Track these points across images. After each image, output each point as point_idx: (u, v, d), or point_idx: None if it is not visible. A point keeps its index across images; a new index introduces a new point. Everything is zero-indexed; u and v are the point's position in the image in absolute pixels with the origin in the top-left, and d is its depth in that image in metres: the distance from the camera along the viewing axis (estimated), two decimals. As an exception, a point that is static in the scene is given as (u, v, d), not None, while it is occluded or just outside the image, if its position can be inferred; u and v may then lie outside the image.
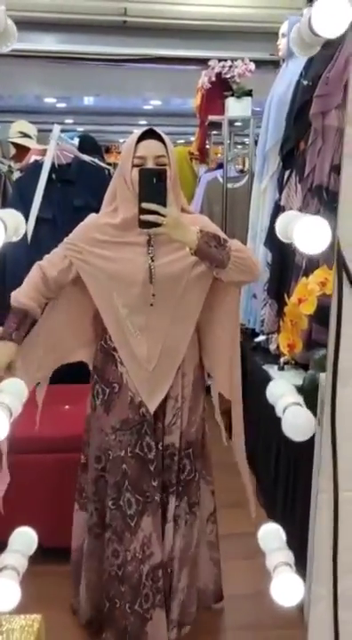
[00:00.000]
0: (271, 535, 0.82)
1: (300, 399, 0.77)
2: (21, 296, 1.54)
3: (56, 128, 2.23)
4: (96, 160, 2.49)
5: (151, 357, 1.53)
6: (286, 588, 0.78)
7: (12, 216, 0.82)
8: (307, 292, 1.67)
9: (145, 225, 1.35)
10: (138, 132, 1.48)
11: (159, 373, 1.55)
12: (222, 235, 1.50)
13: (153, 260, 1.48)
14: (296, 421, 0.71)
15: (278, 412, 0.75)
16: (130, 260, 1.48)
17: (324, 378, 0.77)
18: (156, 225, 1.35)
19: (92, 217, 1.57)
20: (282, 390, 0.77)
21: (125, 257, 1.48)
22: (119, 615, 1.65)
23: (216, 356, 1.66)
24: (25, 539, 0.96)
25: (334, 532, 0.76)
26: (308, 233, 0.67)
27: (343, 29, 0.56)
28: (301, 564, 1.02)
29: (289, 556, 0.79)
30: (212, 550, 1.79)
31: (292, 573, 0.77)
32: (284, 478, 2.08)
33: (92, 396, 1.65)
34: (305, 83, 2.26)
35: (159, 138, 1.46)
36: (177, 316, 1.53)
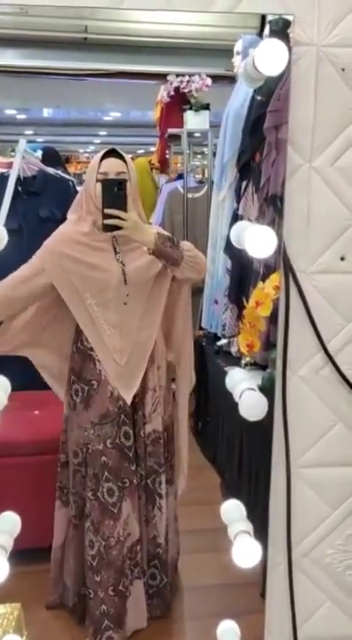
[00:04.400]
0: (232, 509, 0.91)
1: (254, 384, 0.86)
2: None
3: (22, 142, 2.31)
4: (60, 172, 2.58)
5: (123, 352, 1.69)
6: (245, 552, 0.87)
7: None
8: (263, 295, 1.79)
9: (108, 228, 1.56)
10: (102, 151, 1.66)
11: (132, 366, 1.73)
12: (174, 238, 1.70)
13: (123, 264, 1.67)
14: (251, 403, 0.80)
15: (235, 396, 0.84)
16: (103, 264, 1.66)
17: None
18: (118, 228, 1.55)
19: (61, 227, 1.72)
20: (238, 377, 0.87)
21: (98, 262, 1.66)
22: (95, 604, 1.76)
23: (181, 346, 1.90)
24: (10, 520, 1.03)
25: (287, 504, 0.85)
26: (257, 240, 0.76)
27: (281, 68, 0.65)
28: (261, 541, 1.12)
29: (248, 525, 0.87)
30: (176, 522, 1.97)
31: (250, 538, 0.86)
32: (247, 478, 2.19)
33: (70, 395, 1.79)
34: (259, 98, 2.38)
35: (120, 157, 1.65)
36: (145, 312, 1.71)
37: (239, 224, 0.87)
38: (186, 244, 1.72)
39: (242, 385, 0.81)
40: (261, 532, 1.17)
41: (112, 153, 1.68)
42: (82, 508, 1.80)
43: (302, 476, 0.86)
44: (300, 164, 0.75)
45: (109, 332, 1.69)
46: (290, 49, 0.75)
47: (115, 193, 1.57)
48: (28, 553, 1.64)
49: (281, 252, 0.79)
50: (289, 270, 0.77)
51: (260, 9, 0.85)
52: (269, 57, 0.66)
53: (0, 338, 1.75)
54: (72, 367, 1.80)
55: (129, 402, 1.75)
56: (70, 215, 1.74)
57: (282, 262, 0.80)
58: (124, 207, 1.57)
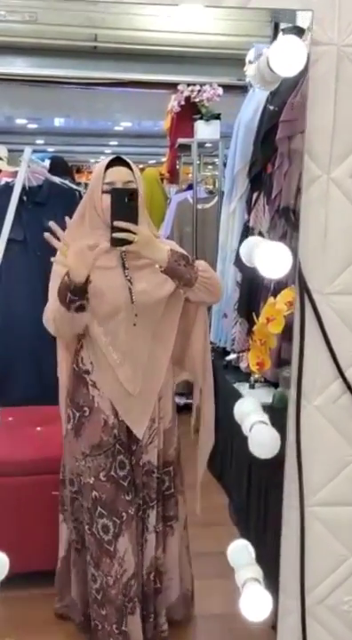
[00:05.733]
0: (240, 551, 0.83)
1: (266, 417, 0.79)
2: None
3: (27, 150, 2.26)
4: (67, 182, 2.53)
5: (136, 380, 1.56)
6: (255, 603, 0.79)
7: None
8: (275, 311, 1.71)
9: (117, 242, 1.39)
10: (106, 159, 1.54)
11: (143, 397, 1.59)
12: (189, 255, 1.58)
13: (131, 283, 1.53)
14: (261, 439, 0.73)
15: (245, 430, 0.77)
16: (108, 286, 1.51)
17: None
18: (128, 242, 1.39)
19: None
20: (248, 409, 0.79)
21: (103, 284, 1.51)
22: (103, 636, 1.66)
23: (196, 364, 1.77)
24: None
25: (301, 546, 0.78)
26: (269, 258, 0.69)
27: (299, 69, 0.59)
28: (272, 580, 1.04)
29: (257, 571, 0.80)
30: (188, 554, 1.87)
31: (260, 588, 0.78)
32: (256, 497, 2.11)
33: (65, 419, 1.67)
34: (271, 108, 2.33)
35: (127, 165, 1.52)
36: (157, 336, 1.58)
37: (250, 240, 0.81)
38: (201, 264, 1.57)
39: (252, 417, 0.74)
40: (273, 562, 1.09)
41: (117, 161, 1.55)
42: (82, 534, 1.70)
43: (317, 515, 0.79)
44: (318, 175, 0.68)
45: (119, 360, 1.54)
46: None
47: (125, 204, 1.41)
48: (29, 576, 1.57)
49: (296, 269, 0.72)
50: (304, 290, 0.71)
51: (275, 3, 0.79)
52: (285, 56, 0.60)
53: None
54: (68, 389, 1.69)
55: (140, 437, 1.62)
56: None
57: (297, 281, 0.73)
58: (134, 219, 1.41)
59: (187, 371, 1.80)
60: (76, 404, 1.63)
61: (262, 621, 1.00)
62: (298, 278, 0.70)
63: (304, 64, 0.59)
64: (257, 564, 0.80)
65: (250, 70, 2.79)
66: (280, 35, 0.62)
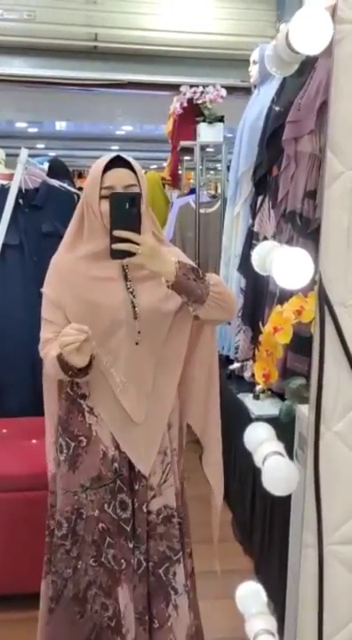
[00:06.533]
0: (251, 597, 0.75)
1: (281, 447, 0.70)
2: None
3: (23, 152, 2.17)
4: (65, 185, 2.44)
5: (140, 406, 1.36)
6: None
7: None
8: (282, 320, 1.62)
9: (117, 254, 1.22)
10: (104, 158, 1.36)
11: (149, 426, 1.38)
12: (199, 269, 1.40)
13: (134, 296, 1.35)
14: (278, 475, 0.65)
15: (257, 461, 0.68)
16: (107, 301, 1.33)
17: (301, 409, 0.72)
18: (130, 254, 1.22)
19: (55, 257, 1.42)
20: (261, 436, 0.71)
21: (101, 299, 1.32)
22: None
23: (191, 400, 1.52)
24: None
25: (319, 590, 0.70)
26: (288, 267, 0.62)
27: (323, 46, 0.51)
28: (279, 609, 0.95)
29: (271, 623, 0.71)
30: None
31: (274, 641, 0.70)
32: (261, 513, 2.02)
33: (56, 449, 1.48)
34: (277, 109, 2.25)
35: (128, 165, 1.34)
36: (163, 358, 1.37)
37: (264, 245, 0.73)
38: (212, 278, 1.34)
39: (266, 447, 0.66)
40: (277, 582, 1.00)
41: (118, 161, 1.38)
42: (60, 589, 1.47)
43: (337, 556, 0.71)
44: (341, 172, 0.61)
45: (122, 386, 1.33)
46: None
47: (126, 210, 1.23)
48: (18, 599, 1.45)
49: (316, 279, 0.64)
50: (325, 302, 0.63)
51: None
52: (308, 30, 0.52)
53: None
54: (59, 415, 1.49)
55: (147, 473, 1.41)
56: (66, 237, 1.40)
57: (317, 293, 0.65)
58: (137, 228, 1.22)
59: (188, 414, 1.57)
60: (71, 432, 1.42)
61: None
62: (318, 288, 0.62)
63: (328, 42, 0.52)
64: (268, 607, 0.73)
65: (253, 72, 2.74)
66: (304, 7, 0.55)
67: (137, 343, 1.31)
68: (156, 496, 1.41)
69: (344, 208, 0.64)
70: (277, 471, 0.66)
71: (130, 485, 1.39)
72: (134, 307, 1.31)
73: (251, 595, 0.76)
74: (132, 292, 1.33)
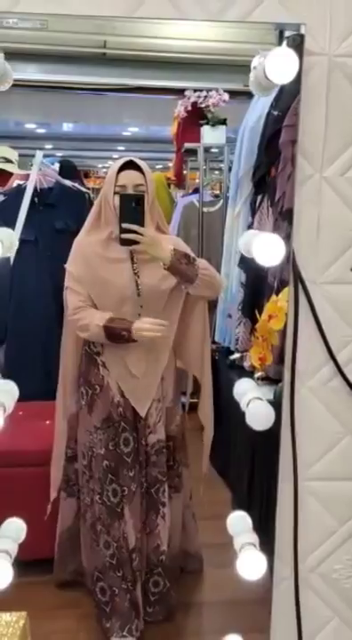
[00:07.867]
0: (238, 520, 0.89)
1: (261, 394, 0.85)
2: None
3: (38, 154, 2.33)
4: (77, 184, 2.60)
5: (140, 365, 1.71)
6: (250, 564, 0.85)
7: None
8: (277, 308, 1.77)
9: (125, 242, 1.59)
10: (119, 161, 1.68)
11: (146, 379, 1.74)
12: (192, 254, 1.72)
13: (138, 276, 1.69)
14: (257, 412, 0.79)
15: (242, 406, 0.83)
16: (116, 279, 1.67)
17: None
18: (135, 243, 1.57)
19: (77, 238, 1.74)
20: (245, 388, 0.86)
21: (111, 277, 1.68)
22: (121, 597, 1.76)
23: (191, 352, 1.91)
24: (15, 526, 1.02)
25: (294, 518, 0.83)
26: (265, 247, 0.76)
27: (291, 77, 0.65)
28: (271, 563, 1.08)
29: (253, 538, 0.86)
30: (194, 520, 1.97)
31: (256, 551, 0.84)
32: (259, 496, 2.17)
33: (79, 396, 1.82)
34: (275, 113, 2.38)
35: (138, 168, 1.67)
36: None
37: (248, 232, 0.87)
38: (202, 262, 1.77)
39: (249, 395, 0.81)
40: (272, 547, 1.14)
41: (130, 164, 1.71)
42: (88, 505, 1.82)
43: (309, 490, 0.85)
44: (311, 174, 0.74)
45: (125, 347, 1.73)
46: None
47: (132, 208, 1.63)
48: (31, 565, 1.62)
49: (290, 260, 0.78)
50: (298, 280, 0.77)
51: (271, 18, 0.86)
52: (280, 65, 0.66)
53: None
54: (81, 369, 1.85)
55: (143, 415, 1.79)
56: (87, 223, 1.78)
57: (291, 272, 0.80)
58: (141, 222, 1.62)
59: (182, 360, 1.93)
60: (89, 382, 1.80)
61: (262, 608, 1.06)
62: (292, 269, 0.76)
63: (296, 73, 0.66)
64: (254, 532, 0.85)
65: (250, 77, 2.86)
66: (283, 44, 0.68)
67: (139, 315, 1.68)
68: (152, 432, 1.85)
69: (314, 203, 0.78)
70: (257, 410, 0.81)
71: (133, 425, 1.75)
72: (138, 286, 1.67)
73: (237, 519, 0.91)
74: (136, 273, 1.69)
